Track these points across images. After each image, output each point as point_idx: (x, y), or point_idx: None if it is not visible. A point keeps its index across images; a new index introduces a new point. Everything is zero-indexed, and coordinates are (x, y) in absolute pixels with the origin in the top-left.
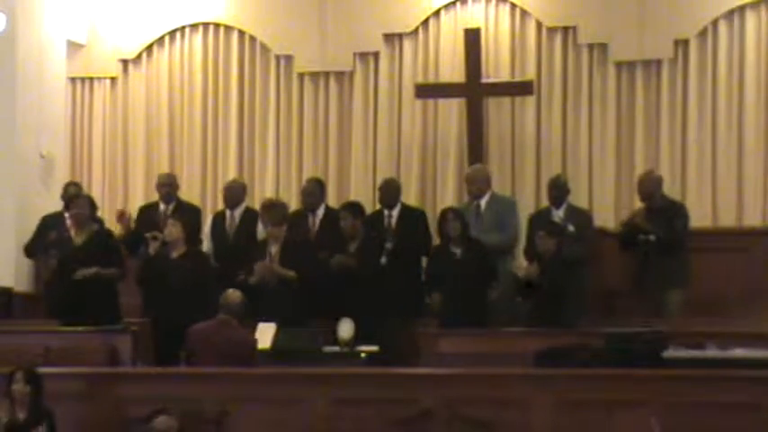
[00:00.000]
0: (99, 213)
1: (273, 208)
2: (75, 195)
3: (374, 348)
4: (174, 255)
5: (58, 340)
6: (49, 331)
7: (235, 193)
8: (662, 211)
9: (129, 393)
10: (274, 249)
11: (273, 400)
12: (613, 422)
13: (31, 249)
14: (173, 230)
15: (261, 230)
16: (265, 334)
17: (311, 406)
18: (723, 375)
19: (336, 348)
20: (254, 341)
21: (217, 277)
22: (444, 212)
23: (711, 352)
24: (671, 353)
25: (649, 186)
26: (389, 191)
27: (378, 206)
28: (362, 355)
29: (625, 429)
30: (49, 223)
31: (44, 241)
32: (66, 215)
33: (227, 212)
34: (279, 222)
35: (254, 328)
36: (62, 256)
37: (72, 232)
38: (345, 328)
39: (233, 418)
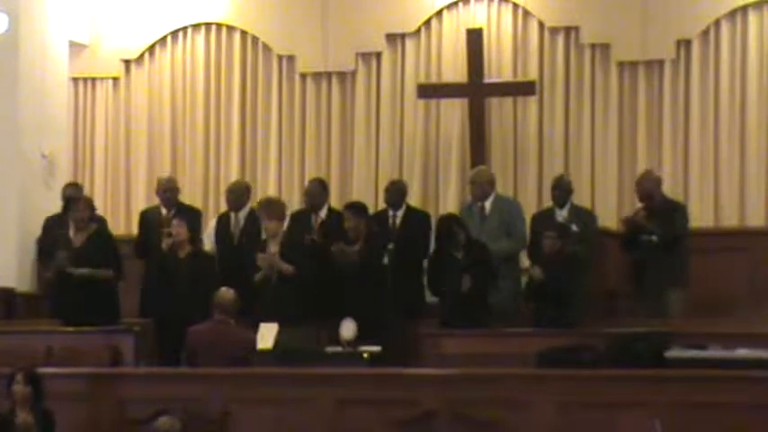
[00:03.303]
0: (99, 213)
1: (270, 203)
2: (74, 198)
3: (376, 348)
4: (182, 255)
5: (61, 341)
6: (51, 332)
7: (238, 194)
8: (662, 211)
9: (130, 394)
10: (273, 248)
11: (276, 400)
12: (615, 423)
13: (40, 251)
14: (180, 231)
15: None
16: (267, 334)
17: (313, 406)
18: (725, 376)
19: (339, 348)
20: (253, 339)
21: (222, 279)
22: (449, 226)
23: (713, 352)
24: (673, 353)
25: (648, 187)
26: (395, 192)
27: (379, 206)
28: (365, 355)
29: (627, 430)
30: (52, 224)
31: (49, 244)
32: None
33: (232, 214)
34: (274, 217)
35: (255, 328)
36: (64, 263)
37: (71, 233)
38: (347, 328)
39: (235, 419)
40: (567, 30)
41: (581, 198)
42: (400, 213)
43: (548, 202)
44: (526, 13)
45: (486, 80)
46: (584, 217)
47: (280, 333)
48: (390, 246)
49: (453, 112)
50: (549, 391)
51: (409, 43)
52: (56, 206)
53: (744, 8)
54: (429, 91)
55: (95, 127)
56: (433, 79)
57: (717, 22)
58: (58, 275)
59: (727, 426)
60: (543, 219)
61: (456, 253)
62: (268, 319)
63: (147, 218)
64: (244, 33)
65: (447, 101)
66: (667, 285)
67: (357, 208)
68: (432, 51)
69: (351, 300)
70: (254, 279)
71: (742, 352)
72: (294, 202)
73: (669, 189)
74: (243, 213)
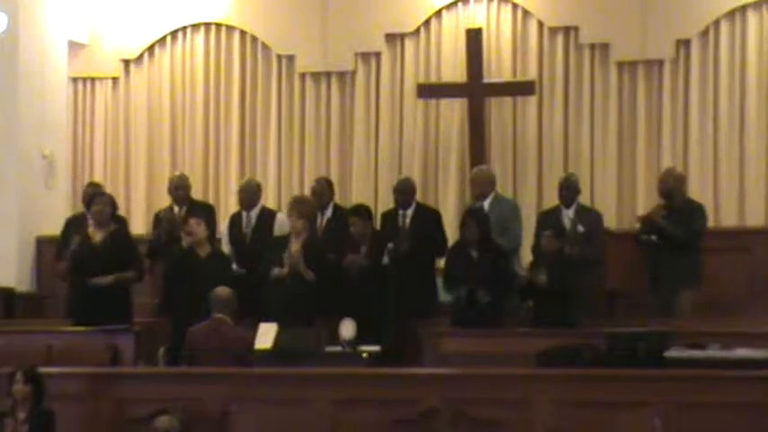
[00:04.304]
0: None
1: (302, 202)
2: (97, 193)
3: (376, 348)
4: (202, 254)
5: (61, 340)
6: (51, 331)
7: (251, 193)
8: (681, 211)
9: (130, 393)
10: (295, 247)
11: (275, 400)
12: (616, 422)
13: (57, 254)
14: (198, 230)
15: (277, 228)
16: (267, 334)
17: (313, 406)
18: (725, 376)
19: (338, 348)
20: (251, 338)
21: (238, 279)
22: (464, 215)
23: (713, 352)
24: (673, 353)
25: (670, 183)
26: (405, 192)
27: (379, 206)
28: (364, 355)
29: (627, 430)
30: (72, 225)
31: (65, 241)
32: (88, 215)
33: (244, 213)
34: (303, 216)
35: (255, 328)
36: (79, 254)
37: (90, 230)
38: (347, 328)
39: (235, 419)
40: (567, 30)
41: (581, 197)
42: (410, 212)
43: (548, 202)
44: (525, 13)
45: (486, 80)
46: (591, 217)
47: (279, 333)
48: (390, 245)
49: (453, 111)
50: (549, 390)
51: (409, 43)
52: (56, 206)
53: (743, 8)
54: (428, 91)
55: (95, 127)
56: (433, 79)
57: (716, 22)
58: (70, 273)
59: (727, 426)
60: (549, 218)
61: (470, 249)
62: (278, 319)
63: (160, 218)
64: (243, 33)
65: (446, 101)
66: (681, 286)
67: (362, 211)
68: (431, 51)
69: (351, 300)
70: (271, 274)
71: (742, 352)
72: None
73: None
74: (254, 212)
